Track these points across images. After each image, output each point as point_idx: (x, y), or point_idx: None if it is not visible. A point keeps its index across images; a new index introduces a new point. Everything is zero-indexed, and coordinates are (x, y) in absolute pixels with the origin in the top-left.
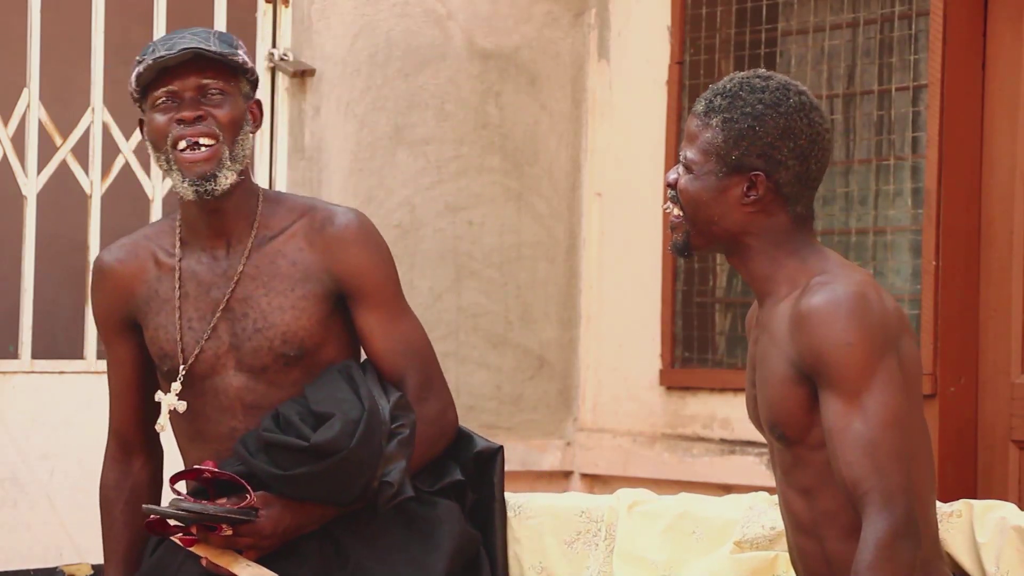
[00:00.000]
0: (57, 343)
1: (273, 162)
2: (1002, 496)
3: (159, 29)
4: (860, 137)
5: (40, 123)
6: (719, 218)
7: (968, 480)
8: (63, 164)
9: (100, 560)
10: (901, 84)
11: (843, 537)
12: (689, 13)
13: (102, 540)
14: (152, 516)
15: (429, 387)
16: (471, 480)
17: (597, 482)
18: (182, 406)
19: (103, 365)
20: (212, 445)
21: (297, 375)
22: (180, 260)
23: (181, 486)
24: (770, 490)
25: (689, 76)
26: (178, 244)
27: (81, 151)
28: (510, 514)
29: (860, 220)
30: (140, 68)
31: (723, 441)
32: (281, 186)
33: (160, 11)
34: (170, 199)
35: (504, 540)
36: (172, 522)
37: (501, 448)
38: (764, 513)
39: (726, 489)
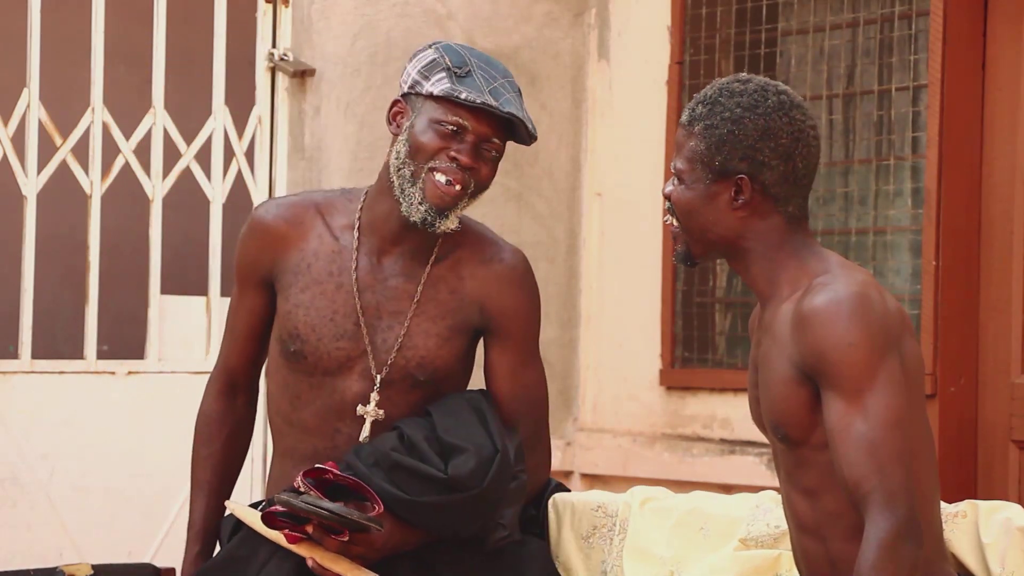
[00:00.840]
0: (57, 343)
1: (273, 162)
2: (1002, 496)
3: (159, 29)
4: (860, 137)
5: (40, 123)
6: (713, 224)
7: (968, 480)
8: (63, 164)
9: (100, 560)
10: (901, 84)
11: (847, 538)
12: (689, 13)
13: (192, 469)
14: (273, 508)
15: (538, 439)
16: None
17: (597, 482)
18: (380, 414)
19: (103, 365)
20: (311, 439)
21: (417, 397)
22: (348, 249)
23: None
24: (775, 490)
25: (689, 76)
26: (356, 234)
27: (81, 151)
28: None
29: (860, 220)
30: (459, 93)
31: (723, 441)
32: (281, 186)
33: (160, 11)
34: (170, 199)
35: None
36: (275, 511)
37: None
38: (769, 512)
39: (726, 489)
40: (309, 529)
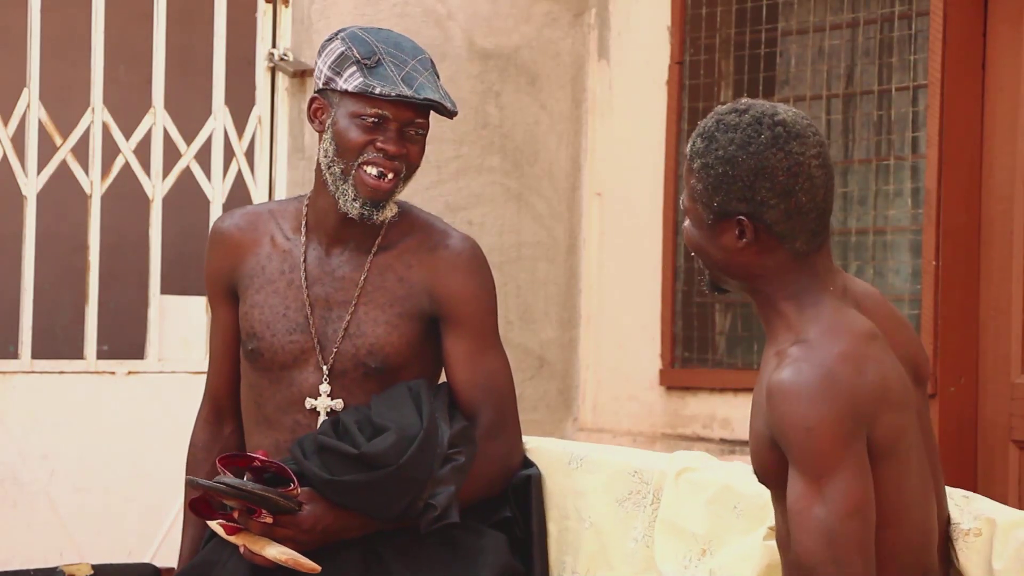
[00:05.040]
0: (57, 343)
1: (273, 162)
2: (1002, 496)
3: (159, 29)
4: (860, 137)
5: (40, 123)
6: (723, 262)
7: (968, 480)
8: (63, 164)
9: (100, 560)
10: (901, 84)
11: None
12: (689, 13)
13: (184, 499)
14: (196, 495)
15: (502, 426)
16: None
17: None
18: (339, 404)
19: (103, 365)
20: (274, 434)
21: (373, 386)
22: (297, 247)
23: (221, 471)
24: None
25: (689, 76)
26: (303, 232)
27: (81, 151)
28: (572, 466)
29: (860, 220)
30: (373, 88)
31: (723, 441)
32: (281, 186)
33: (160, 11)
34: (170, 199)
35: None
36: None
37: (534, 476)
38: None
39: None
40: (236, 515)
